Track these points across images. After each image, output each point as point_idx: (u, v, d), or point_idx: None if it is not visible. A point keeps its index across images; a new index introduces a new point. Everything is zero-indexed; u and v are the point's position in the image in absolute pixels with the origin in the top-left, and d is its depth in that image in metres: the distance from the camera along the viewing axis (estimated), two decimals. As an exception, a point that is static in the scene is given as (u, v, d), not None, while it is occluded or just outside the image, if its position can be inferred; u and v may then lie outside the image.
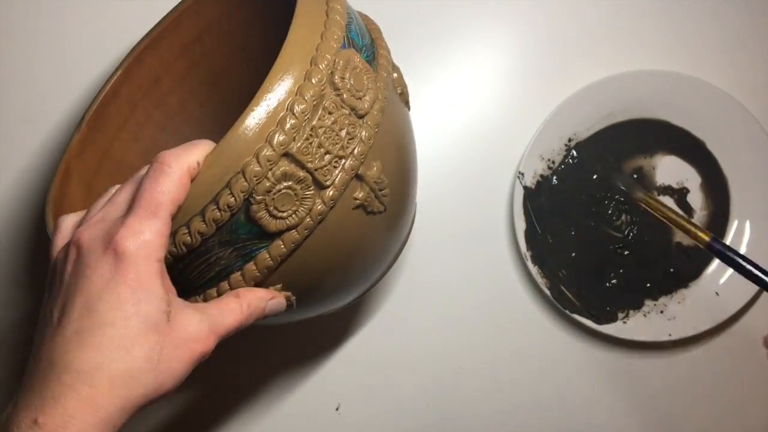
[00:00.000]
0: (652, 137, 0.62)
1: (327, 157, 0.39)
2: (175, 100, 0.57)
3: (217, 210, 0.38)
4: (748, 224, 0.61)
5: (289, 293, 0.43)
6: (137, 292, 0.34)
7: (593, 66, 0.62)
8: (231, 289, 0.41)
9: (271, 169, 0.37)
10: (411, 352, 0.62)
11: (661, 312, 0.61)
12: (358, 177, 0.41)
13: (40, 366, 0.34)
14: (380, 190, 0.43)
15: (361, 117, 0.41)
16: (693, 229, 0.52)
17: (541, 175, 0.61)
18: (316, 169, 0.39)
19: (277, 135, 0.37)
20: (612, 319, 0.61)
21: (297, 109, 0.38)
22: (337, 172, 0.40)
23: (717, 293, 0.60)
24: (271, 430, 0.62)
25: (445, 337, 0.63)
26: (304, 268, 0.42)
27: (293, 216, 0.39)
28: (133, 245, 0.35)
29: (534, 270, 0.61)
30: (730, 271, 0.60)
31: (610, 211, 0.62)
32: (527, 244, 0.61)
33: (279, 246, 0.40)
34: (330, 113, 0.39)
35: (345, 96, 0.40)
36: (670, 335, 0.60)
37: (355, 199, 0.42)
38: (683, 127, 0.61)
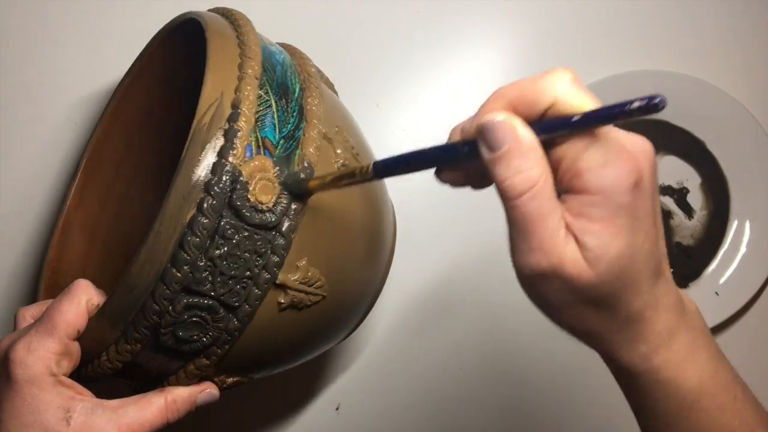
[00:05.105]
0: (652, 137, 0.61)
1: (231, 282, 0.37)
2: (171, 127, 0.56)
3: (126, 344, 0.38)
4: (747, 224, 0.61)
5: (237, 378, 0.43)
6: (32, 404, 0.37)
7: (593, 66, 0.62)
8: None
9: (171, 305, 0.37)
10: (411, 352, 0.62)
11: (661, 312, 0.61)
12: (278, 286, 0.38)
13: None
14: (311, 285, 0.40)
15: (271, 230, 0.37)
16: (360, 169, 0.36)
17: (541, 175, 0.61)
18: (221, 296, 0.37)
19: (171, 272, 0.36)
20: (612, 319, 0.61)
21: (188, 243, 0.35)
22: (245, 291, 0.38)
23: (717, 293, 0.60)
24: (272, 430, 0.62)
25: (445, 337, 0.63)
26: (244, 364, 0.42)
27: (206, 337, 0.38)
28: (25, 361, 0.37)
29: (534, 270, 0.61)
30: (730, 270, 0.60)
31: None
32: (527, 244, 0.61)
33: (201, 360, 0.40)
34: (228, 239, 0.36)
35: (248, 215, 0.36)
36: (670, 335, 0.60)
37: (280, 303, 0.39)
38: (683, 127, 0.61)
